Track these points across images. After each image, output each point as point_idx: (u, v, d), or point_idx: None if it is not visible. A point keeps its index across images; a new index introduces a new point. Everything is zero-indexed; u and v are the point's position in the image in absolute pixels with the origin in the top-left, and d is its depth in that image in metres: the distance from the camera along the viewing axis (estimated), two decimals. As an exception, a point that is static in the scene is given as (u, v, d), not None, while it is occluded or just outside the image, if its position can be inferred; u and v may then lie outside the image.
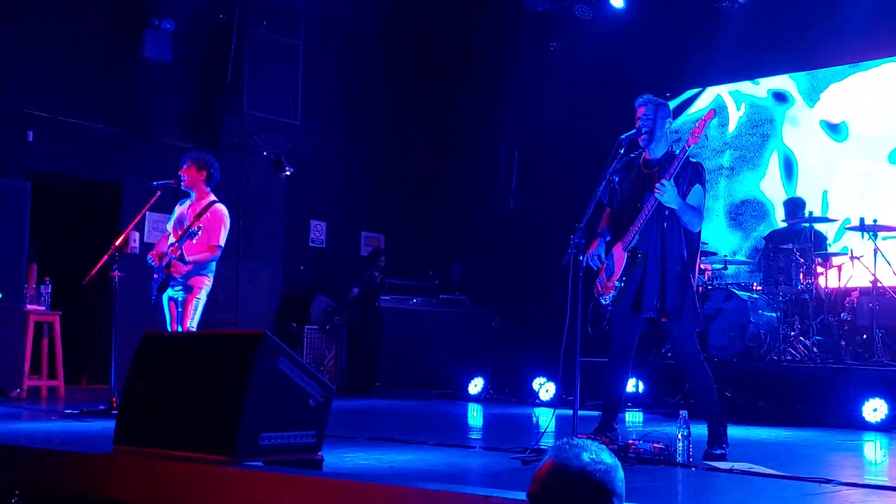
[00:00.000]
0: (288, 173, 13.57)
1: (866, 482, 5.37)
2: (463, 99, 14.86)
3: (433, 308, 13.28)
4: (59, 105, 11.92)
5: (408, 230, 15.12)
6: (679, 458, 5.82)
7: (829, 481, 5.20)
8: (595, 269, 6.41)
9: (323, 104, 14.25)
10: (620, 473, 2.59)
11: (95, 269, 8.55)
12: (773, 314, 9.90)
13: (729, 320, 9.69)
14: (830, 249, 10.58)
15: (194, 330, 8.22)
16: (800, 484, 5.21)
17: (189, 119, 13.23)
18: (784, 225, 11.04)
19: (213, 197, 8.55)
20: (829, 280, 10.18)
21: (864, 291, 9.96)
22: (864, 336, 9.79)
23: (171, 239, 8.35)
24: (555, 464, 2.57)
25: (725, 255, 11.13)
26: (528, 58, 13.88)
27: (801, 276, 9.93)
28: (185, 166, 8.56)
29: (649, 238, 6.23)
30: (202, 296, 8.32)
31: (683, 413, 5.87)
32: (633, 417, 9.48)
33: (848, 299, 10.09)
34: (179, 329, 8.21)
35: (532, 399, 10.81)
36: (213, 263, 8.41)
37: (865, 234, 9.82)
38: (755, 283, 10.43)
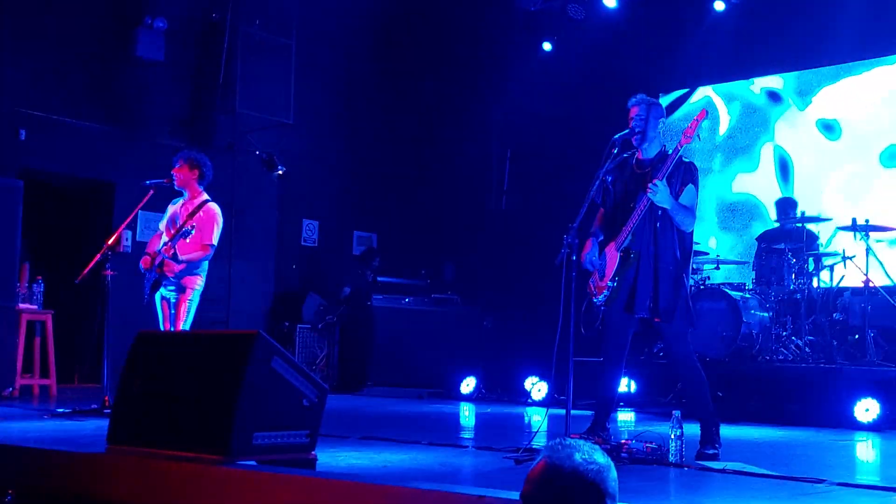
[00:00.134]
0: (280, 172, 13.54)
1: (858, 482, 5.38)
2: (455, 98, 14.85)
3: (425, 307, 13.29)
4: (52, 104, 11.91)
5: (400, 229, 15.12)
6: (672, 458, 5.83)
7: (821, 481, 5.22)
8: (591, 270, 6.42)
9: (315, 103, 14.24)
10: (613, 473, 2.60)
11: (88, 268, 8.54)
12: (766, 314, 9.93)
13: (721, 320, 9.71)
14: (823, 250, 10.58)
15: (187, 329, 8.22)
16: (792, 484, 5.23)
17: (182, 118, 13.22)
18: (776, 225, 11.05)
19: (205, 196, 8.54)
20: (821, 280, 10.20)
21: (856, 291, 9.98)
22: (856, 336, 9.80)
23: (164, 238, 8.35)
24: (548, 464, 2.57)
25: (718, 255, 11.15)
26: (521, 57, 13.88)
27: (794, 276, 9.96)
28: (177, 165, 8.55)
29: (642, 238, 6.24)
30: (195, 295, 8.31)
31: (676, 413, 5.88)
32: (626, 417, 9.50)
33: (840, 299, 10.11)
34: (172, 328, 8.21)
35: (524, 398, 10.80)
36: (206, 263, 8.40)
37: (857, 234, 9.84)
38: (747, 283, 10.45)
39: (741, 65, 12.54)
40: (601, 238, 6.49)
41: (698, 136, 6.22)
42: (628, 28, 12.69)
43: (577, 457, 2.56)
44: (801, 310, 9.87)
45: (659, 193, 6.06)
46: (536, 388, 10.72)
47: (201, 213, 8.33)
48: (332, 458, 5.75)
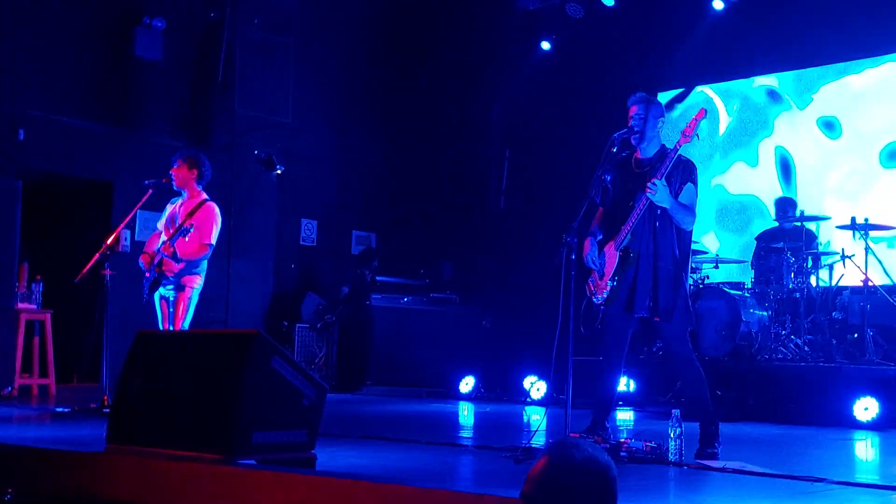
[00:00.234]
0: (279, 172, 13.56)
1: (857, 481, 5.38)
2: (454, 97, 14.84)
3: (424, 307, 13.28)
4: (50, 103, 11.89)
5: (399, 229, 15.11)
6: (671, 457, 5.82)
7: (820, 480, 5.21)
8: (593, 268, 6.42)
9: (314, 103, 14.24)
10: (613, 472, 2.60)
11: (87, 267, 8.54)
12: (765, 313, 9.93)
13: (720, 319, 9.71)
14: (822, 248, 10.58)
15: (186, 329, 8.22)
16: (791, 482, 5.22)
17: (180, 118, 13.20)
18: (775, 224, 11.05)
19: (204, 195, 8.54)
20: (820, 279, 10.20)
21: (855, 290, 9.98)
22: (856, 335, 9.80)
23: (163, 237, 8.35)
24: (548, 463, 2.58)
25: (717, 254, 11.14)
26: (519, 56, 13.86)
27: (793, 275, 9.96)
28: (176, 165, 8.55)
29: (641, 237, 6.24)
30: (194, 295, 8.31)
31: (675, 412, 5.88)
32: (625, 416, 9.49)
33: (839, 298, 10.11)
34: (171, 328, 8.21)
35: (523, 397, 10.80)
36: (205, 262, 8.40)
37: (856, 233, 9.84)
38: (746, 282, 10.45)
39: (740, 63, 12.51)
40: (600, 237, 6.49)
41: (697, 135, 6.20)
42: (627, 27, 12.67)
43: (578, 456, 2.56)
44: (801, 309, 9.87)
45: (658, 193, 6.05)
46: (535, 387, 10.72)
47: (200, 212, 8.33)
48: (332, 457, 5.74)
